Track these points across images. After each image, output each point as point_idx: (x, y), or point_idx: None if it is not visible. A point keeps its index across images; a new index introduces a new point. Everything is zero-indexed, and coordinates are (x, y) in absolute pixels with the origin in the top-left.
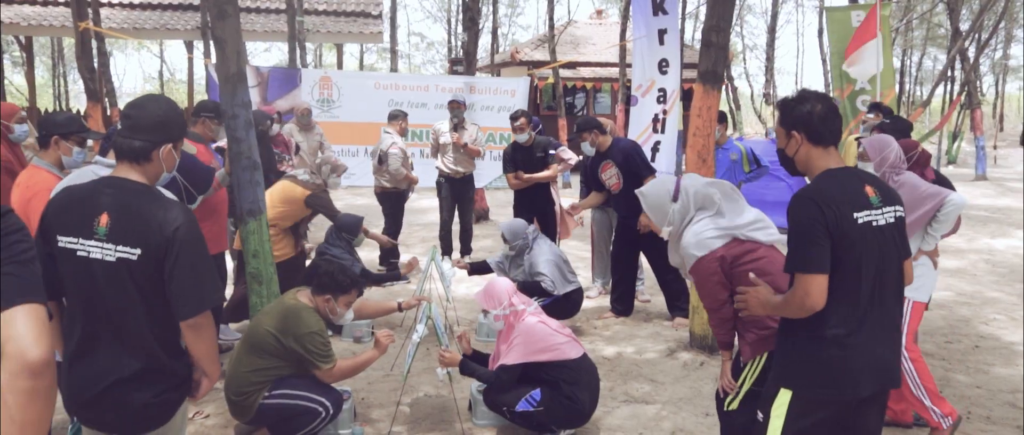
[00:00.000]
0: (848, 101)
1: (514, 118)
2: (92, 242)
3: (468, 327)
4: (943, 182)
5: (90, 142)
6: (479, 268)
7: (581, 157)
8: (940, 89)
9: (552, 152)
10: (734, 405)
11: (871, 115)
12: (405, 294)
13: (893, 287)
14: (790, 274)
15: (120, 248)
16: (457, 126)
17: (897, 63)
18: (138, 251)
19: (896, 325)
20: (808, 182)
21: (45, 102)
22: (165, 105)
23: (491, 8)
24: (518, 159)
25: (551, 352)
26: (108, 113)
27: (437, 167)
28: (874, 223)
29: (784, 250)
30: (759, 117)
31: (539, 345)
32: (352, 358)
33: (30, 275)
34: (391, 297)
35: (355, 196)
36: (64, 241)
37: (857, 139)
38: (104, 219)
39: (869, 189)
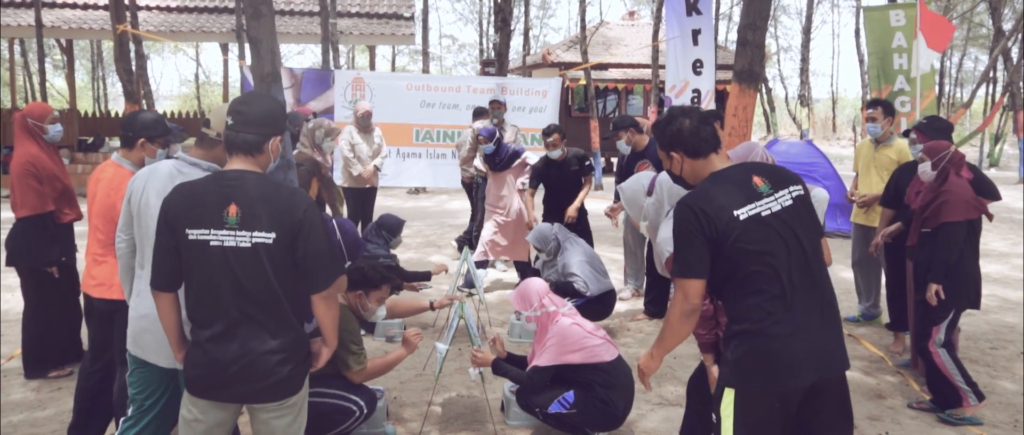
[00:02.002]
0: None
1: (547, 133)
2: (224, 231)
3: (500, 328)
4: (984, 184)
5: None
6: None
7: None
8: (981, 91)
9: (588, 163)
10: None
11: (871, 110)
12: (437, 294)
13: (816, 266)
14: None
15: (256, 234)
16: (496, 126)
17: (937, 64)
18: (273, 235)
19: (830, 304)
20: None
21: (85, 104)
22: (270, 101)
23: (523, 10)
24: (551, 174)
25: (585, 353)
26: None
27: (474, 167)
28: (763, 213)
29: None
30: (794, 119)
31: (572, 346)
32: (382, 357)
33: None
34: (423, 297)
35: (387, 197)
36: (194, 234)
37: (905, 133)
38: (233, 209)
39: (757, 179)
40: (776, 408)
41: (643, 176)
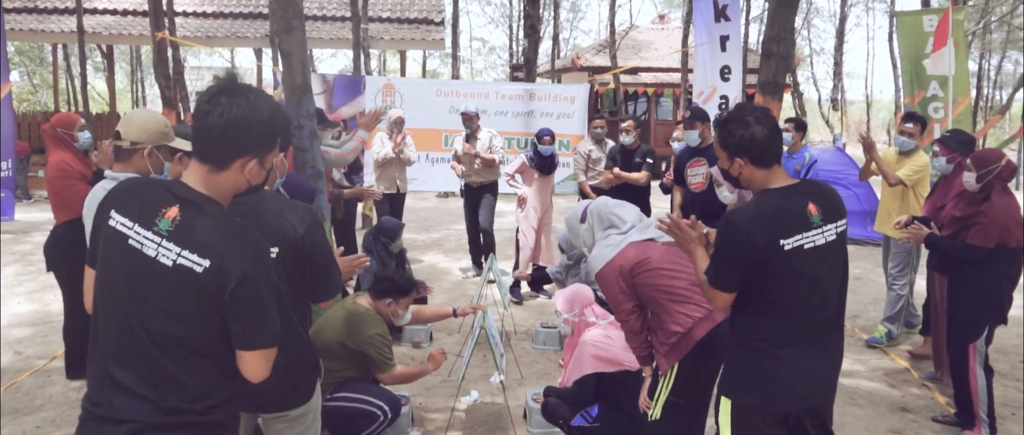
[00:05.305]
0: (920, 108)
1: (622, 120)
2: None
3: (524, 334)
4: None
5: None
6: (539, 277)
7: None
8: (1020, 94)
9: (649, 160)
10: (656, 414)
11: (909, 125)
12: (462, 302)
13: (835, 303)
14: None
15: None
16: (469, 137)
17: (974, 67)
18: (276, 249)
19: (839, 336)
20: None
21: (124, 106)
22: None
23: (552, 14)
24: (619, 161)
25: (614, 363)
26: (182, 118)
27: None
28: (807, 246)
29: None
30: (827, 123)
31: (595, 353)
32: (410, 366)
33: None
34: (447, 303)
35: (418, 200)
36: None
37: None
38: None
39: (812, 207)
40: (770, 425)
41: (579, 205)
